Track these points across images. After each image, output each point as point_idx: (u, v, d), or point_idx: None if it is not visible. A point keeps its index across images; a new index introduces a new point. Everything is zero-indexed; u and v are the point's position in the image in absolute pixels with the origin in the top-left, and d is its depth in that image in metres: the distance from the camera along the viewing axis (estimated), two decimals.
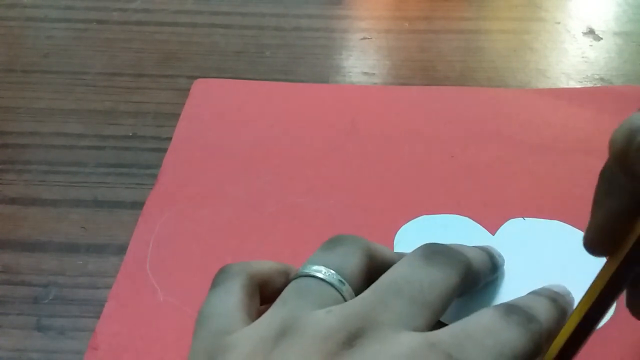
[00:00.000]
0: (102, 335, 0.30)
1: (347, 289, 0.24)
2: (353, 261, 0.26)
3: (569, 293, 0.27)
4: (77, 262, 0.34)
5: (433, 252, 0.25)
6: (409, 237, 0.35)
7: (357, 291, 0.25)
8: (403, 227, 0.35)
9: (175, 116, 0.44)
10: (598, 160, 0.40)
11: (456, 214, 0.36)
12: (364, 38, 0.52)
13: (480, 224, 0.36)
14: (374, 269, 0.26)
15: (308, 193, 0.38)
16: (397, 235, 0.35)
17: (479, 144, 0.41)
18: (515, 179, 0.39)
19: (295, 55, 0.50)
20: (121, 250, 0.35)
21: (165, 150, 0.41)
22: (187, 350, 0.29)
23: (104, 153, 0.41)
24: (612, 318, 0.31)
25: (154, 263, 0.34)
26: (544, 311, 0.24)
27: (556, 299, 0.26)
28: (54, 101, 0.46)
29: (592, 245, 0.25)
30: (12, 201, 0.38)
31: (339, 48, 0.51)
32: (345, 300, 0.24)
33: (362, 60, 0.50)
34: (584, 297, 0.24)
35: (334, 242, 0.27)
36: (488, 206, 0.37)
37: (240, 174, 0.39)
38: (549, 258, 0.33)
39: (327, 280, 0.24)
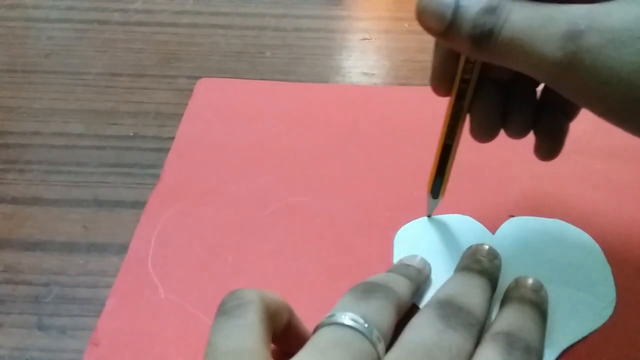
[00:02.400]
0: (103, 331, 0.31)
1: (382, 348, 0.24)
2: (387, 317, 0.26)
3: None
4: (78, 261, 0.35)
5: (450, 314, 0.26)
6: (409, 237, 0.35)
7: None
8: (403, 227, 0.36)
9: (176, 116, 0.44)
10: (598, 161, 0.40)
11: (457, 213, 0.37)
12: (364, 39, 0.52)
13: (481, 223, 0.36)
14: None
15: (309, 192, 0.38)
16: (397, 235, 0.35)
17: (479, 144, 0.42)
18: (515, 178, 0.39)
19: (296, 55, 0.50)
20: (122, 249, 0.35)
21: (166, 150, 0.41)
22: (187, 346, 0.30)
23: (105, 153, 0.42)
24: (611, 318, 0.31)
25: (156, 260, 0.34)
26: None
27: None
28: (55, 101, 0.46)
29: (433, 86, 0.31)
30: (14, 201, 0.38)
31: (339, 48, 0.51)
32: (379, 358, 0.24)
33: (362, 60, 0.50)
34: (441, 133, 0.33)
35: (367, 291, 0.27)
36: (488, 205, 0.37)
37: (242, 172, 0.40)
38: (549, 256, 0.34)
39: (366, 335, 0.24)
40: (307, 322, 0.28)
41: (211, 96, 0.46)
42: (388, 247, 0.35)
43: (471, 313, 0.27)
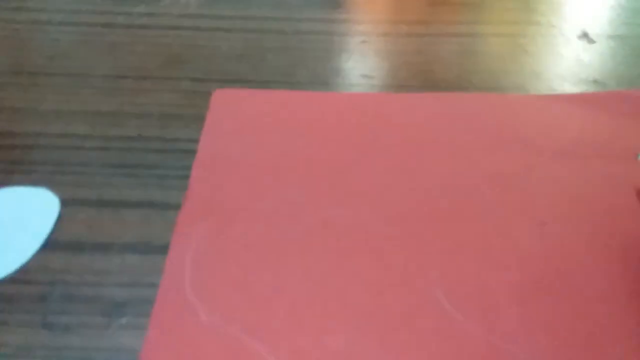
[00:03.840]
0: None
1: None
2: None
3: None
4: (83, 260, 0.35)
5: None
6: None
7: None
8: None
9: (179, 117, 0.44)
10: (616, 165, 0.40)
11: (486, 221, 0.37)
12: (363, 41, 0.53)
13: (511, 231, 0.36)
14: None
15: (340, 205, 0.38)
16: None
17: (502, 151, 0.42)
18: (537, 184, 0.39)
19: (296, 58, 0.51)
20: (125, 248, 0.35)
21: (169, 150, 0.42)
22: None
23: (109, 154, 0.42)
24: (612, 317, 0.32)
25: (193, 283, 0.33)
26: None
27: None
28: (60, 103, 0.46)
29: None
30: None
31: (338, 51, 0.52)
32: None
33: (361, 63, 0.50)
34: None
35: None
36: (518, 214, 0.37)
37: (268, 187, 0.39)
38: None
39: None
40: (352, 339, 0.29)
41: (228, 108, 0.45)
42: (427, 260, 0.35)
43: None
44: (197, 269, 0.34)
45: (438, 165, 0.41)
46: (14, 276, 0.34)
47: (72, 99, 0.47)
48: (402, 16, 0.54)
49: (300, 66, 0.50)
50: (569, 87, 0.47)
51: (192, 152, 0.42)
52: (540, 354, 0.30)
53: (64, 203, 0.39)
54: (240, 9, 0.56)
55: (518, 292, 0.33)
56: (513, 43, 0.52)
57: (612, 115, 0.44)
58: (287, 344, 0.30)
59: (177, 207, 0.38)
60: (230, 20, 0.55)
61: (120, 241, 0.36)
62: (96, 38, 0.53)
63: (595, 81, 0.48)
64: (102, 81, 0.48)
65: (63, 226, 0.37)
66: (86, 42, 0.52)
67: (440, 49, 0.51)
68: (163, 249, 0.36)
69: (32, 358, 0.30)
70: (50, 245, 0.36)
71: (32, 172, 0.41)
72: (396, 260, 0.35)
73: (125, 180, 0.40)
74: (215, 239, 0.36)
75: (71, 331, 0.32)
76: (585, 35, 0.53)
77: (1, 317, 0.32)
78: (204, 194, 0.39)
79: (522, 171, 0.40)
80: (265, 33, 0.53)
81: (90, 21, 0.55)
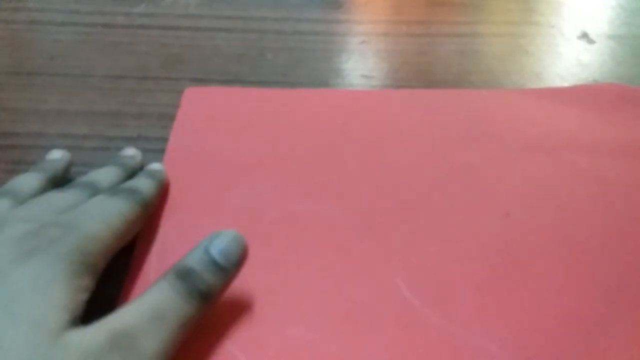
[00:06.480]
0: None
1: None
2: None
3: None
4: None
5: (69, 187, 0.35)
6: None
7: None
8: None
9: None
10: (583, 156, 0.41)
11: (450, 213, 0.37)
12: (363, 42, 0.53)
13: (476, 223, 0.37)
14: None
15: (306, 199, 0.38)
16: None
17: (469, 145, 0.42)
18: (503, 176, 0.40)
19: (296, 58, 0.51)
20: (126, 249, 0.35)
21: None
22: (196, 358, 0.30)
23: (110, 154, 0.42)
24: (569, 309, 0.32)
25: (158, 275, 0.33)
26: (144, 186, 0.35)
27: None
28: (60, 103, 0.47)
29: None
30: None
31: (338, 51, 0.52)
32: None
33: (361, 63, 0.51)
34: None
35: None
36: (483, 205, 0.38)
37: (237, 182, 0.39)
38: None
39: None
40: (312, 328, 0.29)
41: (199, 106, 0.45)
42: (390, 251, 0.35)
43: (93, 183, 0.35)
44: (162, 262, 0.34)
45: (404, 159, 0.41)
46: None
47: (72, 99, 0.47)
48: (402, 16, 0.55)
49: (299, 66, 0.50)
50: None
51: None
52: (495, 341, 0.31)
53: None
54: (240, 9, 0.56)
55: (477, 281, 0.34)
56: (513, 43, 0.52)
57: (581, 109, 0.44)
58: (247, 333, 0.31)
59: None
60: (230, 21, 0.55)
61: None
62: (96, 38, 0.53)
63: (594, 81, 0.48)
64: (102, 81, 0.49)
65: None
66: (86, 42, 0.53)
67: (440, 49, 0.51)
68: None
69: None
70: None
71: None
72: (359, 250, 0.35)
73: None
74: (181, 233, 0.36)
75: None
76: (585, 36, 0.53)
77: None
78: (173, 189, 0.39)
79: (488, 164, 0.40)
80: (265, 33, 0.54)
81: (90, 21, 0.55)
